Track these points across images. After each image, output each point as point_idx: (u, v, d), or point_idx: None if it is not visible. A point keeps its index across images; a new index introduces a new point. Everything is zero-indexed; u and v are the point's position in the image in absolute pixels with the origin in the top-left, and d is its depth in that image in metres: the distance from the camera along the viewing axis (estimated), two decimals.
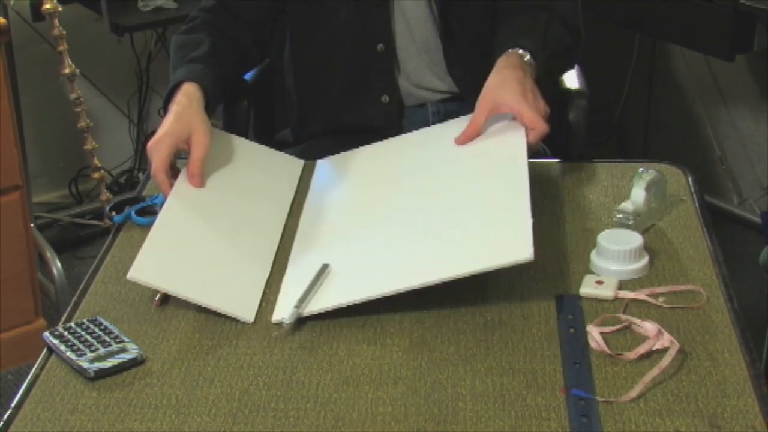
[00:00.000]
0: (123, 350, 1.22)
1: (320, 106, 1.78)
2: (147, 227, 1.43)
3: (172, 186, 1.45)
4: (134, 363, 1.21)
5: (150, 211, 1.48)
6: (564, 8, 1.66)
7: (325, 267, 1.31)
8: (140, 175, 3.22)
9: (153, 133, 3.24)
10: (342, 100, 1.75)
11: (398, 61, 1.73)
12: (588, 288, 1.31)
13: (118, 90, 3.23)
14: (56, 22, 2.60)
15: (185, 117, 1.49)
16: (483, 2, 1.69)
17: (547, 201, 1.52)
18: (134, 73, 3.22)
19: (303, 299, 1.26)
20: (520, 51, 1.55)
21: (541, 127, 1.48)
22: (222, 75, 1.62)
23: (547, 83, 1.61)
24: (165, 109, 1.54)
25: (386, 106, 1.73)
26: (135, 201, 1.51)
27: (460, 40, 1.71)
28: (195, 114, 1.50)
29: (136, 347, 1.22)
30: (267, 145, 1.70)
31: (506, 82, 1.51)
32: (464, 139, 1.52)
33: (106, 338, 1.23)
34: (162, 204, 1.48)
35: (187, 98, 1.52)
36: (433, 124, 1.73)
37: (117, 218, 1.45)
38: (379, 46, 1.71)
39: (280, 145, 1.79)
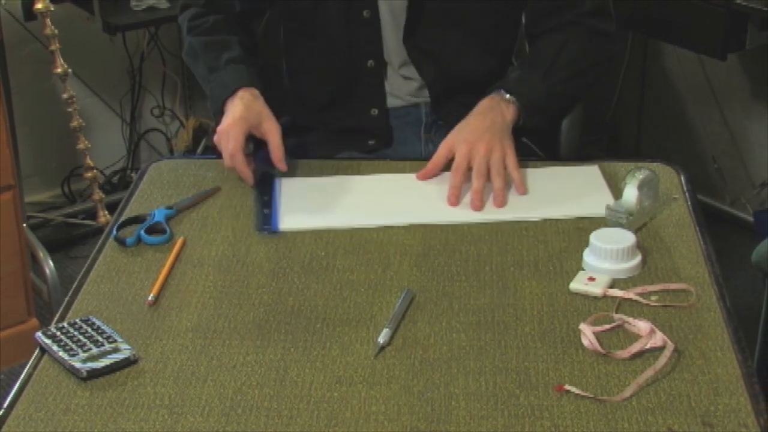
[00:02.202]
0: (116, 350, 1.22)
1: (313, 108, 1.78)
2: (158, 246, 1.43)
3: (249, 169, 1.54)
4: (127, 363, 1.21)
5: (158, 230, 1.47)
6: (594, 17, 1.68)
7: (409, 292, 1.31)
8: (133, 174, 3.21)
9: (146, 133, 3.19)
10: (333, 107, 1.76)
11: (388, 76, 1.74)
12: (578, 284, 1.31)
13: (111, 89, 3.22)
14: (48, 21, 2.60)
15: (255, 107, 1.59)
16: (457, 25, 1.69)
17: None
18: (126, 73, 3.22)
19: (393, 323, 1.25)
20: (501, 91, 1.61)
21: (455, 167, 1.52)
22: (257, 71, 1.69)
23: (556, 107, 1.70)
24: (220, 111, 1.61)
25: (375, 118, 1.74)
26: (138, 220, 1.50)
27: (430, 59, 1.71)
28: (263, 106, 1.59)
29: (128, 347, 1.22)
30: None
31: (468, 126, 1.57)
32: (423, 176, 1.57)
33: (99, 338, 1.23)
34: (164, 219, 1.48)
35: (251, 95, 1.60)
36: (426, 123, 1.73)
37: (130, 241, 1.44)
38: (369, 63, 1.72)
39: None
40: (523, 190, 1.53)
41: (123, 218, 1.52)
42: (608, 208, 1.45)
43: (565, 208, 1.50)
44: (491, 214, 1.50)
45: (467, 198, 1.52)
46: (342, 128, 1.76)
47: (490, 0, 1.69)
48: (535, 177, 1.60)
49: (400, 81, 1.74)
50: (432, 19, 1.68)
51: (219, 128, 1.57)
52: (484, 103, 1.61)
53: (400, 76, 1.73)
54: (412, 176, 1.59)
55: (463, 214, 1.50)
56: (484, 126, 1.56)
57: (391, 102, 1.75)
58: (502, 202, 1.51)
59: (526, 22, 1.72)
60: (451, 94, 1.72)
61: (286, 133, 1.82)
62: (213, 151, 1.88)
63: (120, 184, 3.25)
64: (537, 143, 1.80)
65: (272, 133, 1.57)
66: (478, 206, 1.50)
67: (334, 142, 1.75)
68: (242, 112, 1.56)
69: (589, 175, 1.60)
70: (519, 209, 1.50)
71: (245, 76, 1.64)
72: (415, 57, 1.71)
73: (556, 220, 1.47)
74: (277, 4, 1.76)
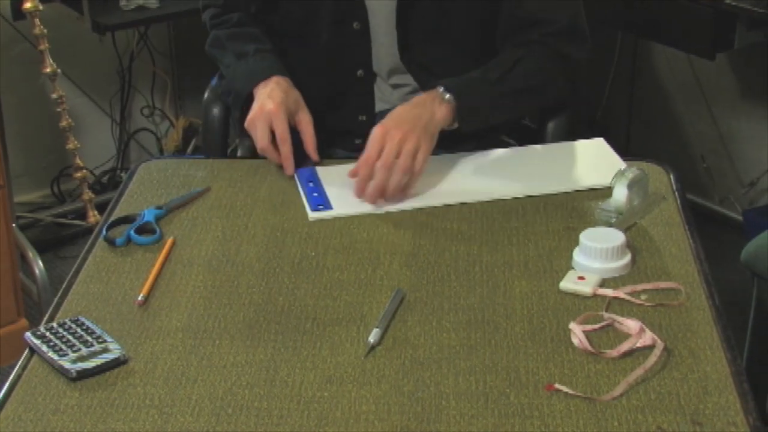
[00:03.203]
0: (105, 350, 1.21)
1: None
2: (148, 246, 1.43)
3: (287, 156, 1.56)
4: (117, 363, 1.20)
5: (147, 230, 1.47)
6: (562, 39, 1.66)
7: (399, 292, 1.31)
8: (122, 174, 3.21)
9: (136, 132, 3.17)
10: (321, 111, 1.76)
11: (377, 84, 1.74)
12: (568, 283, 1.31)
13: (100, 89, 3.22)
14: (37, 21, 2.59)
15: (293, 94, 1.61)
16: (446, 36, 1.69)
17: (530, 199, 1.53)
18: (116, 72, 3.21)
19: (383, 323, 1.25)
20: (441, 89, 1.58)
21: (365, 159, 1.50)
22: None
23: (500, 116, 1.66)
24: (249, 94, 1.63)
25: (363, 123, 1.75)
26: (127, 220, 1.50)
27: (429, 72, 1.70)
28: (299, 95, 1.63)
29: (118, 347, 1.22)
30: None
31: (391, 114, 1.56)
32: (354, 173, 1.54)
33: (89, 338, 1.23)
34: (154, 219, 1.47)
35: (287, 82, 1.63)
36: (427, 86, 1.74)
37: (119, 241, 1.44)
38: (359, 72, 1.73)
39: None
40: (411, 191, 1.51)
41: (113, 218, 1.51)
42: (598, 207, 1.45)
43: (582, 179, 1.55)
44: (517, 188, 1.53)
45: (465, 182, 1.56)
46: (329, 129, 1.76)
47: (472, 13, 1.68)
48: (544, 153, 1.64)
49: (390, 89, 1.74)
50: (423, 34, 1.68)
51: (257, 110, 1.58)
52: (420, 97, 1.59)
53: (389, 85, 1.74)
54: (441, 158, 1.60)
55: (498, 191, 1.53)
56: (408, 116, 1.54)
57: (380, 107, 1.75)
58: (390, 194, 1.49)
59: (497, 38, 1.70)
60: None
61: None
62: (202, 151, 1.89)
63: (110, 184, 3.25)
64: (522, 143, 1.80)
65: (306, 123, 1.60)
66: (372, 200, 1.49)
67: (322, 140, 1.75)
68: (283, 98, 1.59)
69: (597, 147, 1.65)
70: (540, 184, 1.54)
71: (277, 65, 1.66)
72: (414, 70, 1.71)
73: (542, 220, 1.47)
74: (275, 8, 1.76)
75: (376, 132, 1.52)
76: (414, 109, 1.56)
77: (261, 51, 1.69)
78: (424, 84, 1.71)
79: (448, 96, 1.58)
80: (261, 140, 1.58)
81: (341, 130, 1.76)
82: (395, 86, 1.74)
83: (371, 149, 1.51)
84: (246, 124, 1.60)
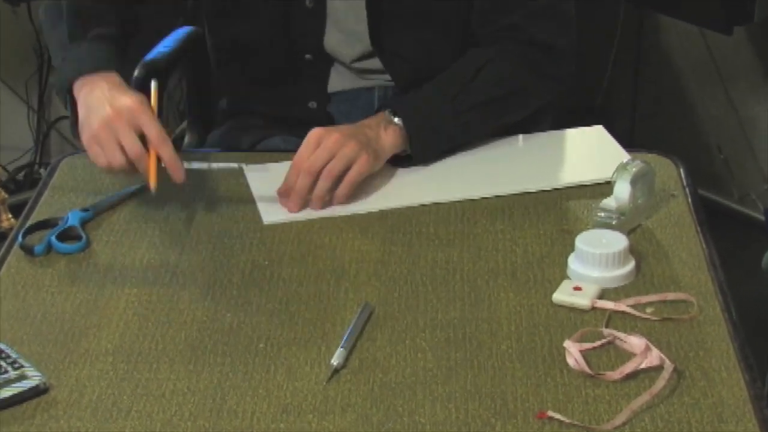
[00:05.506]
0: (22, 377, 1.21)
1: (244, 93, 1.79)
2: (72, 255, 1.43)
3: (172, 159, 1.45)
4: (36, 392, 1.20)
5: (71, 236, 1.46)
6: (542, 20, 1.66)
7: (367, 306, 1.32)
8: (42, 170, 3.20)
9: (57, 121, 3.12)
10: (265, 95, 1.76)
11: (333, 68, 1.74)
12: (563, 294, 1.33)
13: (14, 70, 3.20)
14: None
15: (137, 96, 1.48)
16: (425, 19, 1.69)
17: (517, 197, 1.54)
18: (33, 50, 3.20)
19: (348, 342, 1.26)
20: (387, 112, 1.60)
21: (293, 162, 1.51)
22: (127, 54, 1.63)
23: (465, 136, 1.64)
24: (68, 91, 1.53)
25: (314, 110, 1.76)
26: (48, 224, 1.50)
27: (403, 61, 1.72)
28: (132, 93, 1.49)
29: (38, 374, 1.22)
30: (206, 115, 1.82)
31: (344, 126, 1.57)
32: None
33: (2, 363, 1.23)
34: (79, 224, 1.47)
35: (120, 80, 1.51)
36: (378, 108, 1.75)
37: (38, 248, 1.44)
38: (307, 56, 1.72)
39: (222, 117, 1.87)
40: (339, 202, 1.52)
41: (30, 222, 1.51)
42: (597, 206, 1.47)
43: (578, 174, 1.58)
44: (503, 185, 1.55)
45: (442, 177, 1.58)
46: (277, 117, 1.77)
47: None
48: (534, 143, 1.67)
49: (349, 74, 1.75)
50: (398, 20, 1.68)
51: (109, 112, 1.44)
52: (365, 120, 1.60)
53: (349, 69, 1.74)
54: None
55: (481, 188, 1.55)
56: (351, 129, 1.55)
57: (334, 88, 1.75)
58: (313, 204, 1.51)
59: (473, 23, 1.70)
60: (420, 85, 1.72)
61: (224, 116, 1.85)
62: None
63: (26, 182, 3.24)
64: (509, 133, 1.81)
65: (150, 128, 1.45)
66: (293, 208, 1.50)
67: (270, 127, 1.76)
68: (137, 96, 1.47)
69: (596, 136, 1.69)
70: (529, 180, 1.56)
71: (109, 57, 1.55)
72: (387, 60, 1.71)
73: (532, 222, 1.49)
74: None
75: (311, 134, 1.53)
76: (359, 127, 1.57)
77: (96, 38, 1.58)
78: (397, 73, 1.72)
79: (396, 120, 1.59)
80: (132, 145, 1.43)
81: (290, 119, 1.76)
82: (362, 71, 1.74)
83: (302, 152, 1.52)
84: (94, 134, 1.46)
